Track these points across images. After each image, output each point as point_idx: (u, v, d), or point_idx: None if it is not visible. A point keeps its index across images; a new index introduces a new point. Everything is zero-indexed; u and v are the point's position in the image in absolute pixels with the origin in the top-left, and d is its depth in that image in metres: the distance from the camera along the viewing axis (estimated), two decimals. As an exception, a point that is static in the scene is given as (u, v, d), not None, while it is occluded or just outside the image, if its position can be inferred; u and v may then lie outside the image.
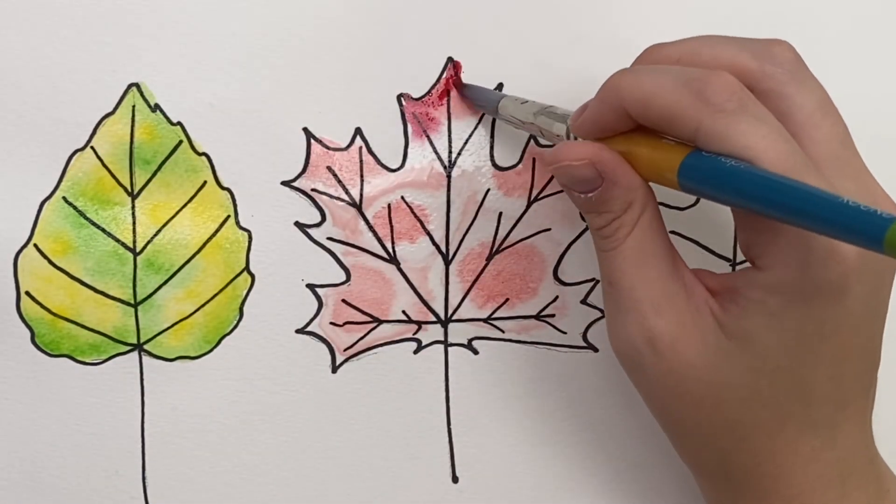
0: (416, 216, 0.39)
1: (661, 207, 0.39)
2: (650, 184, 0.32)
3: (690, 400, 0.32)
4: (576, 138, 0.34)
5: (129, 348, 0.38)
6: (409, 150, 0.39)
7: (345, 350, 0.39)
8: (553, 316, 0.40)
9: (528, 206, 0.40)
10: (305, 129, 0.38)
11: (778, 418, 0.31)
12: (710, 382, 0.31)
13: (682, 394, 0.32)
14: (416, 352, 0.40)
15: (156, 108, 0.38)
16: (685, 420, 0.33)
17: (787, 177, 0.27)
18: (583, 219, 0.39)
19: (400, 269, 0.39)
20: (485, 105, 0.39)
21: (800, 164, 0.29)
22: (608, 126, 0.32)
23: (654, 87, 0.30)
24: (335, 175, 0.39)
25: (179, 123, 0.38)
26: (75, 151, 0.37)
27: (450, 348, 0.40)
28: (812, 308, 0.30)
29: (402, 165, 0.39)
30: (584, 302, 0.40)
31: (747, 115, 0.29)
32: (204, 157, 0.38)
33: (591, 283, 0.40)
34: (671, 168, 0.30)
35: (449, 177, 0.39)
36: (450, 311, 0.40)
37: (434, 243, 0.40)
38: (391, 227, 0.39)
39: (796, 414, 0.31)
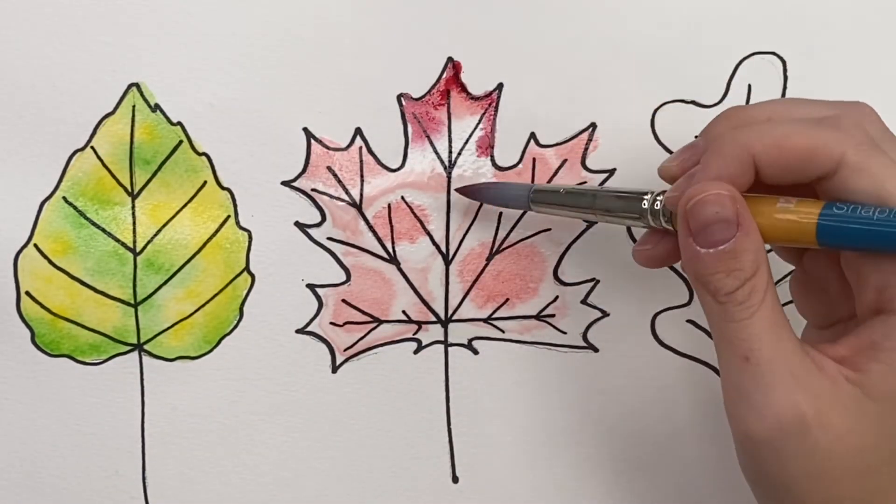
0: (416, 216, 0.39)
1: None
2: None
3: (836, 476, 0.29)
4: (664, 213, 0.31)
5: (129, 348, 0.38)
6: (410, 151, 0.39)
7: (345, 350, 0.39)
8: (553, 316, 0.40)
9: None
10: (305, 129, 0.38)
11: None
12: (857, 450, 0.29)
13: (827, 470, 0.29)
14: (416, 352, 0.40)
15: (156, 108, 0.38)
16: (825, 499, 0.29)
17: None
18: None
19: (400, 269, 0.39)
20: (511, 201, 0.37)
21: None
22: (730, 183, 0.30)
23: (788, 129, 0.29)
24: (335, 175, 0.39)
25: (179, 123, 0.38)
26: (75, 151, 0.37)
27: (450, 348, 0.40)
28: None
29: (402, 165, 0.39)
30: (584, 302, 0.40)
31: (880, 152, 0.28)
32: (204, 157, 0.38)
33: (591, 283, 0.40)
34: (809, 224, 0.28)
35: (449, 177, 0.39)
36: (450, 312, 0.40)
37: (434, 243, 0.40)
38: (391, 227, 0.39)
39: None
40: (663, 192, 0.32)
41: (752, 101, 0.40)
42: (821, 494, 0.29)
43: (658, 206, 0.32)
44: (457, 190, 0.38)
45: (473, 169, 0.39)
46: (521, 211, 0.40)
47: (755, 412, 0.29)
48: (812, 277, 0.33)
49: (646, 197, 0.32)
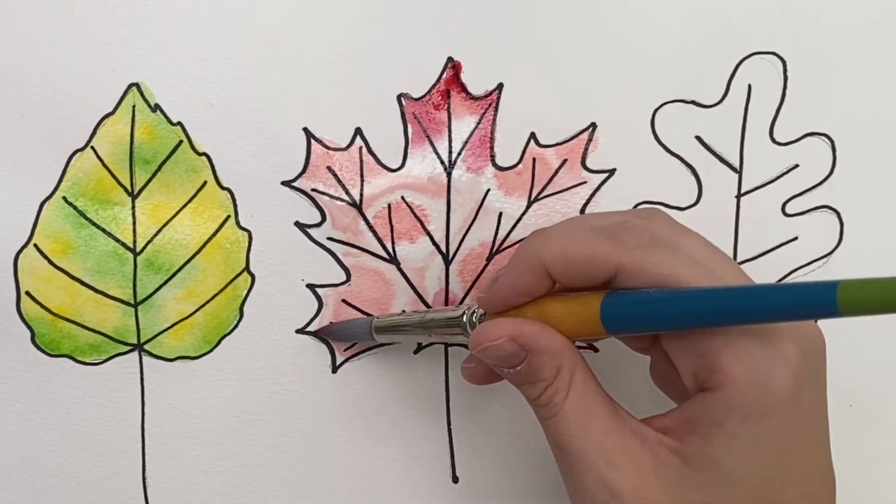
0: (416, 216, 0.39)
1: (661, 207, 0.40)
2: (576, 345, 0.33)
3: None
4: (480, 319, 0.34)
5: (129, 348, 0.38)
6: (409, 151, 0.39)
7: (345, 350, 0.39)
8: (553, 316, 0.40)
9: (528, 206, 0.40)
10: (305, 129, 0.38)
11: None
12: None
13: None
14: (416, 352, 0.40)
15: (156, 108, 0.38)
16: None
17: (720, 286, 0.29)
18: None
19: (400, 269, 0.39)
20: (352, 334, 0.39)
21: (718, 278, 0.30)
22: (524, 290, 0.33)
23: (572, 240, 0.32)
24: (335, 175, 0.39)
25: (179, 123, 0.38)
26: (75, 151, 0.37)
27: (450, 348, 0.40)
28: (770, 420, 0.30)
29: (402, 165, 0.39)
30: (584, 302, 0.40)
31: (659, 248, 0.31)
32: (204, 157, 0.38)
33: (591, 283, 0.40)
34: (593, 313, 0.31)
35: (449, 177, 0.39)
36: (450, 311, 0.40)
37: (434, 243, 0.40)
38: (391, 227, 0.39)
39: None
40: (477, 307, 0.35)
41: (751, 102, 0.40)
42: None
43: (476, 318, 0.34)
44: (312, 334, 0.39)
45: (473, 169, 0.39)
46: (521, 211, 0.40)
47: (576, 496, 0.32)
48: (659, 365, 0.35)
49: (464, 314, 0.34)
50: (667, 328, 0.31)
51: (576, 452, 0.31)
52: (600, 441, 0.31)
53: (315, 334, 0.39)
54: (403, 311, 0.39)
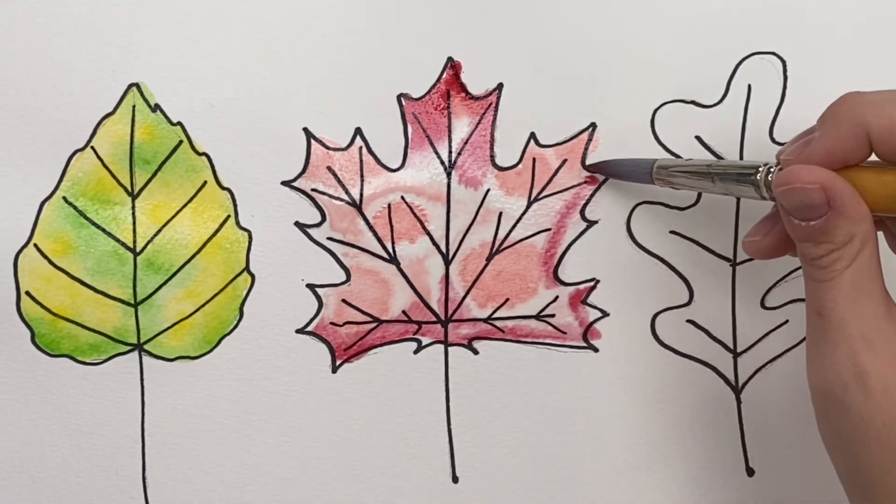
0: (416, 216, 0.39)
1: (660, 207, 0.40)
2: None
3: (893, 444, 0.30)
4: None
5: (129, 348, 0.38)
6: (409, 151, 0.39)
7: (345, 350, 0.39)
8: (553, 316, 0.40)
9: (528, 206, 0.40)
10: (305, 129, 0.38)
11: None
12: None
13: (888, 437, 0.30)
14: (416, 352, 0.40)
15: (156, 108, 0.38)
16: (884, 468, 0.30)
17: None
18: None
19: (400, 269, 0.39)
20: (631, 173, 0.38)
21: None
22: (840, 157, 0.31)
23: None
24: (335, 175, 0.39)
25: (179, 123, 0.38)
26: (75, 151, 0.37)
27: (450, 348, 0.40)
28: None
29: (402, 165, 0.39)
30: (584, 302, 0.40)
31: None
32: (204, 157, 0.38)
33: (592, 283, 0.40)
34: None
35: (449, 177, 0.39)
36: (450, 312, 0.40)
37: (434, 243, 0.39)
38: (391, 227, 0.39)
39: None
40: (775, 164, 0.33)
41: (751, 102, 0.40)
42: (883, 462, 0.30)
43: (771, 177, 0.33)
44: (587, 167, 0.39)
45: (473, 169, 0.39)
46: (521, 211, 0.40)
47: (817, 366, 0.31)
48: None
49: (760, 169, 0.33)
50: None
51: (837, 322, 0.30)
52: (866, 320, 0.30)
53: (593, 169, 0.39)
54: (691, 158, 0.37)
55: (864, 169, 0.31)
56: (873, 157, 0.31)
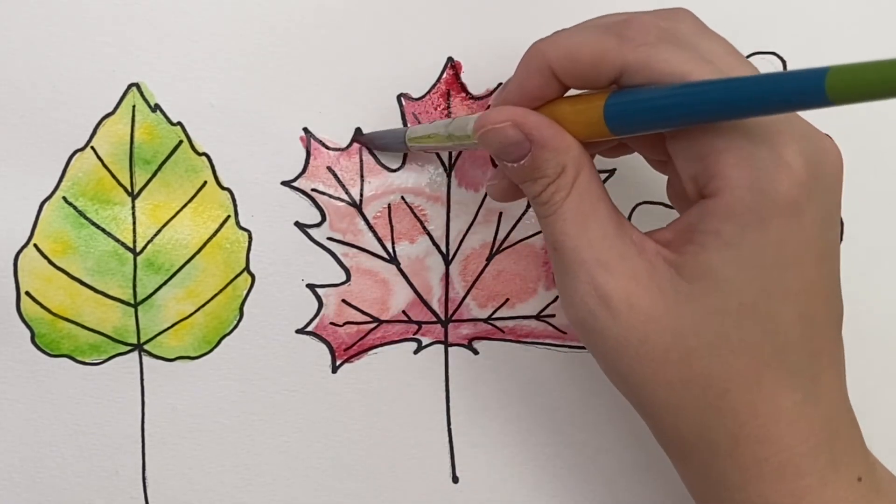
0: (415, 216, 0.39)
1: (660, 207, 0.40)
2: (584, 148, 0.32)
3: (656, 358, 0.30)
4: None
5: (129, 348, 0.38)
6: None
7: (345, 350, 0.39)
8: (553, 316, 0.40)
9: (528, 206, 0.40)
10: (305, 129, 0.38)
11: (753, 368, 0.29)
12: (673, 332, 0.29)
13: (645, 353, 0.30)
14: (416, 352, 0.40)
15: (156, 108, 0.38)
16: (655, 386, 0.30)
17: (718, 78, 0.28)
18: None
19: (400, 270, 0.39)
20: (389, 144, 0.38)
21: (724, 74, 0.29)
22: (532, 93, 0.32)
23: (578, 39, 0.31)
24: (335, 175, 0.39)
25: (179, 123, 0.38)
26: (75, 151, 0.37)
27: (450, 348, 0.40)
28: (769, 230, 0.28)
29: (402, 166, 0.39)
30: (584, 302, 0.40)
31: (668, 45, 0.29)
32: (204, 157, 0.38)
33: (591, 283, 0.40)
34: (597, 112, 0.30)
35: (449, 177, 0.39)
36: (450, 312, 0.40)
37: (434, 243, 0.40)
38: (391, 227, 0.39)
39: (771, 362, 0.29)
40: None
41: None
42: (649, 378, 0.30)
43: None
44: (355, 140, 0.39)
45: (474, 169, 0.39)
46: (522, 211, 0.40)
47: (566, 299, 0.31)
48: (674, 181, 0.34)
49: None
50: (661, 125, 0.30)
51: (570, 251, 0.31)
52: (597, 243, 0.30)
53: (358, 141, 0.38)
54: (437, 121, 0.38)
55: (561, 101, 0.32)
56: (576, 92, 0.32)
